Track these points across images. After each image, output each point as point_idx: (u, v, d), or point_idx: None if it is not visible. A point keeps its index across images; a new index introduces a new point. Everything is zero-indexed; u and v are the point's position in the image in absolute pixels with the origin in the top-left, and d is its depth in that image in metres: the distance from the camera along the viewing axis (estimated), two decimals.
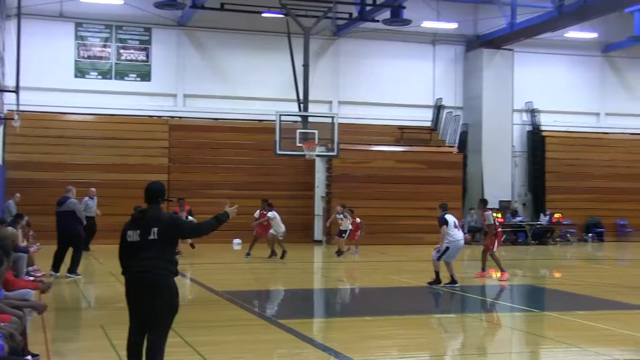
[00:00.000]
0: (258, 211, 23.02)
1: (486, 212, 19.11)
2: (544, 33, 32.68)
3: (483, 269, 19.15)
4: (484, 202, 20.10)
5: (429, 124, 34.21)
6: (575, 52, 36.21)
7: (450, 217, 16.59)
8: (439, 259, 16.17)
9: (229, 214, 7.54)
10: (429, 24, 32.21)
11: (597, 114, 37.19)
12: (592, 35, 34.76)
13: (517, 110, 35.33)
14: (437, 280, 16.33)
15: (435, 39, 34.39)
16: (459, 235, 16.60)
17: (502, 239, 21.22)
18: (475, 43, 34.55)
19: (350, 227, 24.22)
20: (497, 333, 12.79)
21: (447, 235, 16.26)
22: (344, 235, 24.20)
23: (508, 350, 11.43)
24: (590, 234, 33.84)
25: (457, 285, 16.29)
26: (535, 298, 17.39)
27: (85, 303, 14.77)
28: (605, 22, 34.09)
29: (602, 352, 10.20)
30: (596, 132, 36.70)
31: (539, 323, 13.39)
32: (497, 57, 34.24)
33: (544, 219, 33.53)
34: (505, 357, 11.01)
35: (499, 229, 19.81)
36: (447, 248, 16.25)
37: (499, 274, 18.79)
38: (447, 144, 33.77)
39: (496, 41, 33.92)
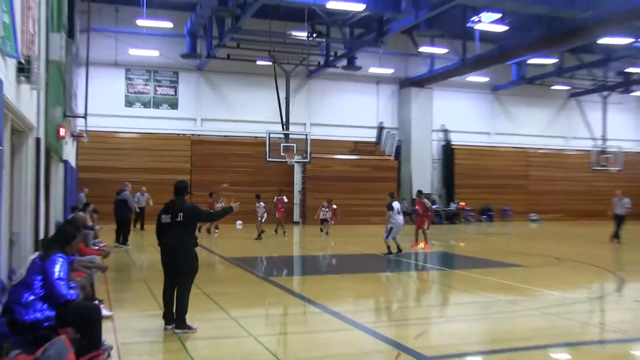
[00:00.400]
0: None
1: (424, 200, 19.31)
2: (453, 77, 32.96)
3: (416, 241, 19.24)
4: (421, 193, 20.02)
5: (374, 139, 34.49)
6: (474, 90, 36.49)
7: (395, 204, 16.39)
8: (387, 237, 16.02)
9: (233, 208, 7.97)
10: (374, 70, 32.40)
11: (489, 133, 37.43)
12: (485, 79, 35.19)
13: (435, 130, 35.53)
14: (389, 252, 16.12)
15: (378, 80, 34.62)
16: (399, 218, 16.26)
17: (431, 219, 21.07)
18: (406, 83, 34.73)
19: (329, 216, 23.68)
20: (421, 285, 12.96)
21: (391, 218, 16.05)
22: (326, 222, 23.79)
23: (427, 295, 11.63)
24: (484, 216, 34.20)
25: (401, 252, 16.21)
26: (447, 261, 17.52)
27: (134, 266, 14.94)
28: (494, 70, 34.19)
29: (491, 295, 10.49)
30: (488, 146, 36.99)
31: (449, 278, 13.67)
32: (421, 93, 34.50)
33: (453, 206, 34.10)
34: (425, 300, 11.17)
35: (430, 212, 20.05)
36: (391, 228, 16.09)
37: (422, 245, 18.93)
38: (386, 154, 33.98)
39: (420, 82, 34.20)
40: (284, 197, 23.57)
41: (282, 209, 23.29)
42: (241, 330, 7.85)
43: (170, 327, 7.60)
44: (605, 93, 37.35)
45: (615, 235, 20.73)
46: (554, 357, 7.08)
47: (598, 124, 37.99)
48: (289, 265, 16.66)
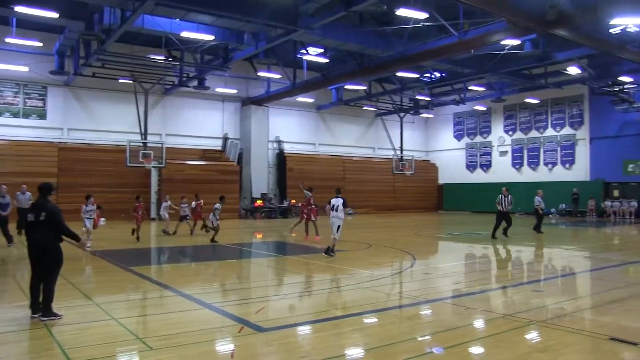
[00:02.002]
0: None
1: (310, 195, 18.44)
2: (286, 97, 34.99)
3: (307, 233, 19.16)
4: (310, 189, 19.03)
5: (220, 148, 35.77)
6: (303, 108, 38.84)
7: (332, 201, 14.47)
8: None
9: (79, 244, 7.85)
10: (220, 89, 33.50)
11: (314, 144, 40.21)
12: (311, 100, 37.45)
13: (271, 141, 37.46)
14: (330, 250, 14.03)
15: (224, 98, 35.80)
16: (332, 214, 14.23)
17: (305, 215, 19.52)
18: (247, 101, 36.17)
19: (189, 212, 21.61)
20: (261, 269, 13.19)
21: (331, 214, 14.32)
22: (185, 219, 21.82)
23: (266, 277, 11.89)
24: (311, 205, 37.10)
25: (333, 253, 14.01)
26: (282, 248, 17.81)
27: (3, 262, 13.99)
28: (318, 93, 36.86)
29: (317, 276, 11.19)
30: (313, 154, 39.59)
31: (284, 262, 14.13)
32: (259, 110, 36.22)
33: (285, 203, 35.76)
34: (264, 281, 11.24)
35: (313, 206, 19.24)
36: (339, 226, 14.22)
37: (295, 233, 19.51)
38: (230, 160, 35.18)
39: (259, 101, 35.77)
40: (201, 201, 22.21)
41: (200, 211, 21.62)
42: (104, 314, 7.62)
43: (36, 315, 7.20)
44: (401, 114, 40.90)
45: (504, 232, 19.80)
46: (367, 321, 7.49)
47: (397, 138, 41.26)
48: (149, 256, 16.22)
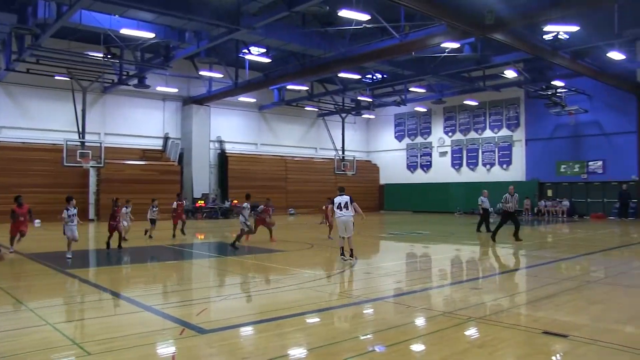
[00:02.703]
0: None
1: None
2: (227, 97, 34.85)
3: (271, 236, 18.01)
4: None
5: (160, 148, 35.27)
6: (245, 108, 38.70)
7: (337, 199, 13.48)
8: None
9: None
10: (161, 88, 32.93)
11: (256, 144, 40.12)
12: (253, 100, 37.31)
13: (212, 141, 37.17)
14: (342, 253, 13.45)
15: (165, 97, 35.29)
16: (338, 213, 13.29)
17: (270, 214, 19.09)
18: (188, 101, 35.74)
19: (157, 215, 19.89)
20: (203, 270, 13.04)
21: (336, 214, 13.42)
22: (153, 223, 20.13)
23: (208, 278, 11.70)
24: (252, 212, 36.64)
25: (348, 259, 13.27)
26: (224, 249, 17.06)
27: None
28: (261, 93, 36.83)
29: (260, 276, 11.16)
30: (255, 154, 39.47)
31: (226, 263, 13.77)
32: (201, 109, 35.89)
33: (227, 204, 35.48)
34: (206, 282, 11.08)
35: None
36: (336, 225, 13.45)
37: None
38: (171, 160, 34.73)
39: (200, 100, 35.44)
40: (183, 202, 21.54)
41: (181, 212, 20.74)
42: (39, 320, 7.35)
43: None
44: (343, 114, 41.56)
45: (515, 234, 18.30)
46: (309, 321, 7.50)
47: (339, 138, 42.10)
48: (88, 258, 15.60)
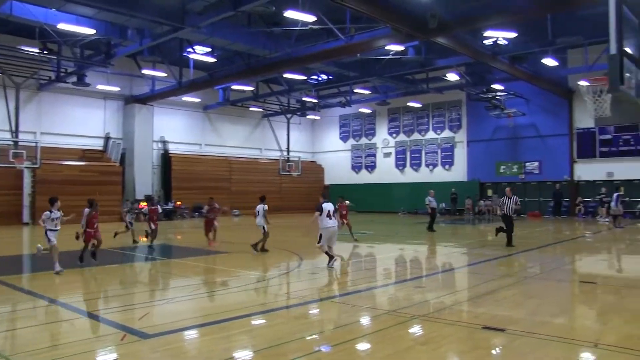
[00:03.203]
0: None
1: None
2: (171, 97, 34.26)
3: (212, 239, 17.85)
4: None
5: (101, 148, 34.23)
6: (189, 108, 38.14)
7: (326, 206, 12.28)
8: (319, 242, 12.07)
9: None
10: (101, 87, 31.95)
11: (200, 144, 39.63)
12: (198, 100, 36.90)
13: (155, 141, 36.46)
14: (330, 257, 12.30)
15: (106, 96, 34.28)
16: (329, 222, 12.20)
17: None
18: (131, 100, 34.91)
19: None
20: (144, 273, 12.72)
21: (323, 223, 12.16)
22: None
23: (150, 281, 11.51)
24: (196, 213, 34.62)
25: (334, 262, 12.34)
26: (167, 251, 17.14)
27: None
28: (205, 93, 36.25)
29: (203, 278, 11.06)
30: (199, 155, 39.02)
31: (169, 266, 13.70)
32: (144, 109, 35.14)
33: (170, 205, 34.66)
34: (149, 286, 10.98)
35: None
36: (321, 235, 12.17)
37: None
38: (112, 161, 33.75)
39: (143, 100, 34.70)
40: (158, 206, 19.46)
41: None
42: None
43: None
44: (288, 115, 41.58)
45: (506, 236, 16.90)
46: (255, 323, 7.52)
47: (284, 139, 42.15)
48: (21, 264, 14.93)
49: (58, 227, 12.24)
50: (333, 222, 12.23)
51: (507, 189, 17.70)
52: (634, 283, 10.89)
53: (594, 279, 11.69)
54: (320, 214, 12.10)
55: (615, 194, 25.11)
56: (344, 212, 18.66)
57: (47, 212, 12.13)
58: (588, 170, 33.63)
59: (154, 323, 7.46)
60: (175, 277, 12.14)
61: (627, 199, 29.66)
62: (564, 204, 34.18)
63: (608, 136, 32.60)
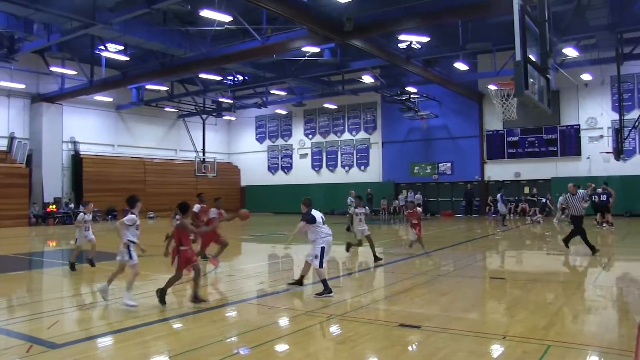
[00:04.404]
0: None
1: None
2: (82, 95, 33.08)
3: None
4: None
5: (5, 149, 32.53)
6: (101, 108, 36.95)
7: (317, 213, 9.73)
8: (321, 265, 9.41)
9: None
10: (5, 84, 30.50)
11: (113, 145, 38.42)
12: (110, 99, 35.88)
13: (65, 142, 35.09)
14: (326, 286, 9.34)
15: (10, 93, 32.67)
16: (328, 231, 9.68)
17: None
18: (37, 98, 33.39)
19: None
20: (53, 280, 12.31)
21: (319, 233, 9.56)
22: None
23: (60, 288, 11.09)
24: (109, 216, 34.09)
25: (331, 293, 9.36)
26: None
27: None
28: (118, 92, 35.61)
29: (114, 283, 9.91)
30: (113, 156, 37.83)
31: (80, 271, 12.72)
32: (52, 108, 33.73)
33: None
34: (58, 293, 10.54)
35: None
36: (323, 248, 9.49)
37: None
38: (18, 162, 32.22)
39: (51, 98, 33.30)
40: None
41: None
42: None
43: None
44: (204, 116, 41.21)
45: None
46: (171, 327, 7.47)
47: (199, 140, 41.75)
48: None
49: (90, 229, 12.85)
50: (328, 232, 9.70)
51: (570, 184, 14.90)
52: (537, 277, 11.44)
53: (502, 274, 12.26)
54: (315, 223, 9.56)
55: (499, 194, 25.87)
56: (414, 222, 15.05)
57: (82, 214, 12.87)
58: (497, 171, 35.20)
59: (64, 332, 7.15)
60: (87, 283, 11.60)
61: (510, 198, 31.47)
62: (475, 204, 35.38)
63: (515, 138, 34.25)
